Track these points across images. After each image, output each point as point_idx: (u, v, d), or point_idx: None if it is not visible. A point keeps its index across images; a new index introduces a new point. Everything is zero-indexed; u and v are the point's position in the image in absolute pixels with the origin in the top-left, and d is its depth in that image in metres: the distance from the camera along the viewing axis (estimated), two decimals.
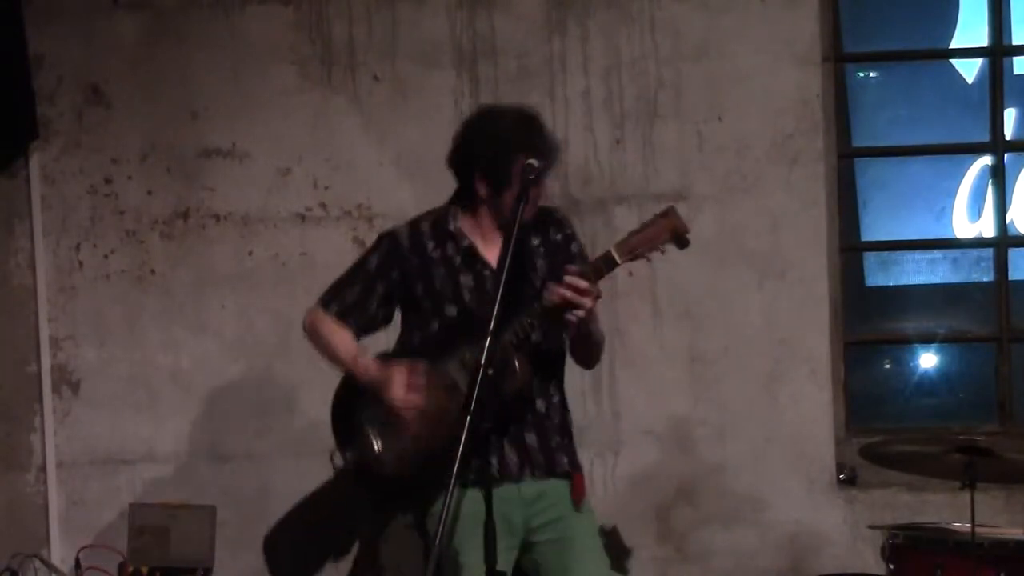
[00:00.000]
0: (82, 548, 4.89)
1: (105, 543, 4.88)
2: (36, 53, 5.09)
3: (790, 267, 5.00)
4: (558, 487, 3.63)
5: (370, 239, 5.03)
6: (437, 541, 3.17)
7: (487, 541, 3.36)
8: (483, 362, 3.22)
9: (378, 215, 5.09)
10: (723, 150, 5.02)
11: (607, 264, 3.43)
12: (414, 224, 3.72)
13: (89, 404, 5.15)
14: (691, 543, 4.99)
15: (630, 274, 4.98)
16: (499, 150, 3.55)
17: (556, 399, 3.70)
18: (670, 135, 5.04)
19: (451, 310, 3.61)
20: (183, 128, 5.14)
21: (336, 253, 5.07)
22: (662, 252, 3.47)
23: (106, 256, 5.17)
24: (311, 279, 5.05)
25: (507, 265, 3.32)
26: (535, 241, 3.67)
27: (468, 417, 3.18)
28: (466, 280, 3.62)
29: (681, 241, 3.46)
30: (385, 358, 3.67)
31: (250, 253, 5.13)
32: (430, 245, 3.65)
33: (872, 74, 5.51)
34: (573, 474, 3.66)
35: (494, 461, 3.55)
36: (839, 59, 5.19)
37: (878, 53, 5.41)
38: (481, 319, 3.36)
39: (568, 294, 3.39)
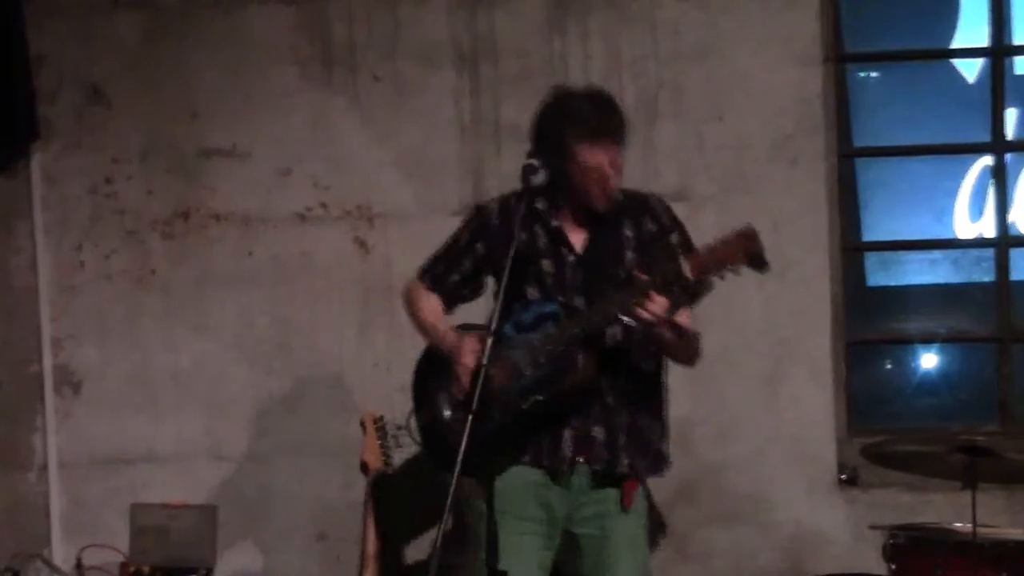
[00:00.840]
0: (83, 548, 4.89)
1: (106, 543, 4.88)
2: (36, 53, 5.10)
3: (790, 267, 4.99)
4: (608, 491, 3.60)
5: (370, 239, 5.07)
6: (438, 540, 3.17)
7: (488, 540, 3.35)
8: (484, 361, 3.21)
9: (378, 215, 5.09)
10: (723, 150, 5.02)
11: (676, 278, 3.33)
12: (505, 199, 3.69)
13: (90, 404, 5.16)
14: (691, 543, 4.99)
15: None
16: (552, 128, 3.52)
17: (633, 398, 3.61)
18: (670, 135, 5.03)
19: (532, 292, 3.59)
20: (183, 128, 5.14)
21: (336, 253, 5.09)
22: (736, 273, 3.34)
23: (107, 256, 5.17)
24: (311, 279, 5.08)
25: (509, 266, 3.31)
26: (628, 232, 3.61)
27: (470, 417, 3.18)
28: (547, 264, 3.60)
29: (758, 263, 3.30)
30: (466, 328, 3.65)
31: (250, 253, 5.14)
32: (518, 222, 3.55)
33: (872, 74, 5.51)
34: (628, 479, 3.60)
35: (545, 451, 3.54)
36: (839, 59, 5.19)
37: (878, 53, 5.40)
38: (564, 306, 3.44)
39: (641, 323, 3.35)
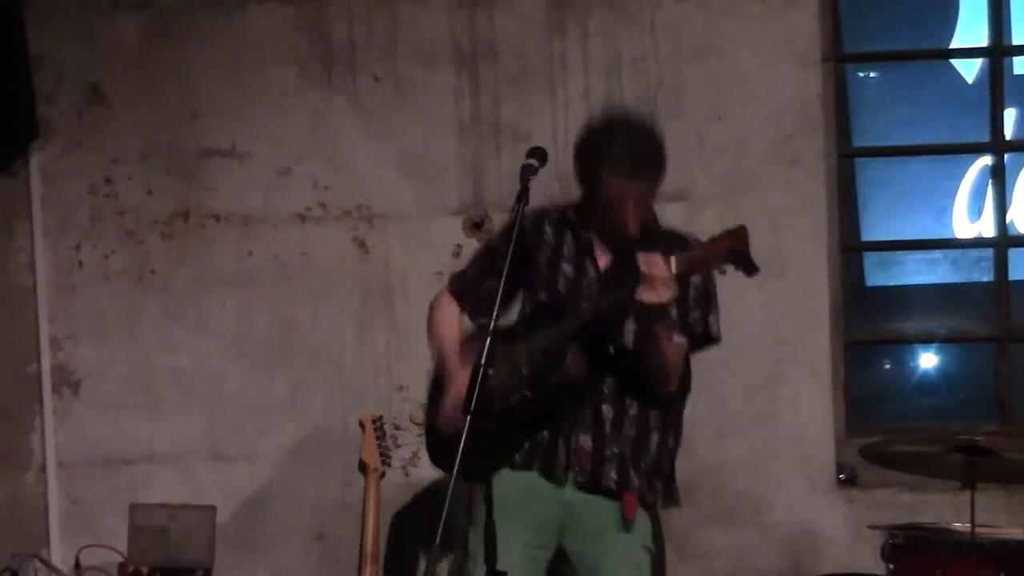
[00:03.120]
0: (82, 548, 4.89)
1: (105, 543, 4.88)
2: (36, 53, 5.09)
3: (790, 267, 4.99)
4: (605, 506, 3.54)
5: (370, 239, 5.08)
6: (438, 540, 3.16)
7: (487, 540, 3.35)
8: (483, 361, 3.21)
9: (378, 215, 5.09)
10: (723, 150, 5.02)
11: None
12: (543, 208, 3.67)
13: (89, 404, 5.15)
14: (691, 543, 4.99)
15: None
16: (590, 151, 3.55)
17: (633, 411, 3.58)
18: (670, 135, 4.96)
19: (543, 297, 3.60)
20: (183, 128, 5.14)
21: (336, 253, 5.09)
22: (721, 272, 3.35)
23: (106, 256, 5.17)
24: (311, 279, 5.08)
25: (507, 267, 3.31)
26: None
27: (468, 418, 3.17)
28: (567, 269, 3.59)
29: (748, 266, 3.26)
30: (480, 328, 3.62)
31: (250, 253, 5.13)
32: (548, 229, 3.62)
33: (872, 74, 5.51)
34: (623, 494, 3.55)
35: (542, 456, 3.52)
36: (839, 59, 5.19)
37: (878, 53, 5.41)
38: (566, 311, 3.45)
39: (645, 268, 3.28)
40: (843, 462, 4.98)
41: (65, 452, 5.15)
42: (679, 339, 3.51)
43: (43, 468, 5.14)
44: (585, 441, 3.54)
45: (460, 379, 3.49)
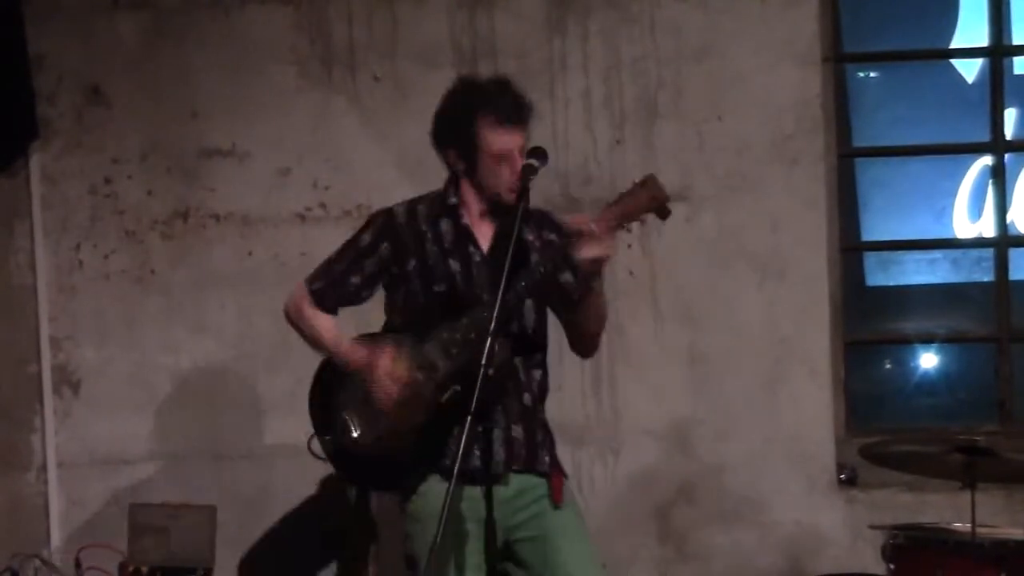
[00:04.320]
0: (82, 548, 4.89)
1: (105, 543, 4.87)
2: (36, 53, 5.10)
3: (790, 267, 5.00)
4: (537, 485, 3.56)
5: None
6: (436, 538, 3.16)
7: (487, 539, 3.36)
8: (483, 362, 3.20)
9: None
10: (723, 150, 5.02)
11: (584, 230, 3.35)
12: (411, 201, 3.68)
13: (89, 404, 5.16)
14: (691, 543, 4.99)
15: (631, 273, 4.99)
16: (460, 116, 3.52)
17: (539, 394, 3.63)
18: (670, 135, 5.04)
19: (439, 287, 3.55)
20: (183, 128, 5.14)
21: None
22: (642, 222, 3.40)
23: (106, 256, 5.17)
24: None
25: (508, 263, 3.30)
26: (530, 236, 3.59)
27: (469, 419, 3.16)
28: (455, 264, 3.56)
29: (662, 211, 3.36)
30: (370, 337, 3.63)
31: (250, 253, 5.14)
32: (425, 221, 3.59)
33: (872, 74, 5.52)
34: (552, 475, 3.58)
35: (476, 452, 3.42)
36: (839, 59, 5.19)
37: (878, 53, 5.41)
38: (466, 298, 3.40)
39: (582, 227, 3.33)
40: (843, 462, 4.98)
41: (65, 452, 5.15)
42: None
43: (43, 468, 5.15)
44: (517, 431, 3.54)
45: (381, 362, 3.48)
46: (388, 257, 3.63)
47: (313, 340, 3.71)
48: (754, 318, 4.99)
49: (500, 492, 3.45)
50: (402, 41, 5.09)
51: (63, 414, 5.16)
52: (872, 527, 4.26)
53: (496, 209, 3.56)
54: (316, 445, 3.67)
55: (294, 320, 3.76)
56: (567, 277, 3.50)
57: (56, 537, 5.12)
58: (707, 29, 5.01)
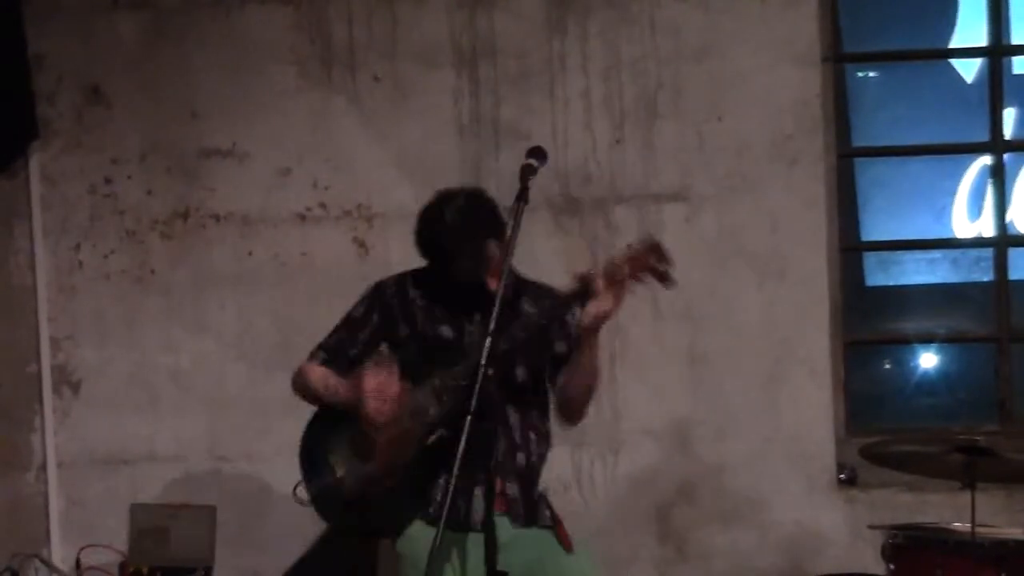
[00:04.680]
0: (82, 548, 4.89)
1: (105, 543, 4.88)
2: (36, 53, 5.10)
3: (790, 267, 5.00)
4: (539, 534, 3.57)
5: (370, 239, 5.08)
6: (437, 540, 3.16)
7: (488, 541, 3.37)
8: (483, 361, 3.21)
9: (378, 215, 5.09)
10: (723, 150, 5.02)
11: (587, 289, 3.40)
12: (402, 274, 3.75)
13: (89, 404, 5.15)
14: (691, 543, 4.99)
15: None
16: (434, 244, 3.61)
17: (538, 452, 3.64)
18: (670, 135, 5.04)
19: (433, 350, 3.59)
20: (183, 128, 5.14)
21: (336, 253, 5.09)
22: (644, 283, 3.42)
23: (106, 256, 5.17)
24: (311, 279, 5.08)
25: (507, 266, 3.31)
26: (529, 308, 3.61)
27: (468, 418, 3.17)
28: (446, 330, 3.61)
29: (664, 277, 3.39)
30: None
31: (250, 253, 5.14)
32: (413, 292, 3.67)
33: (872, 74, 5.52)
34: (557, 525, 3.59)
35: (461, 504, 3.44)
36: (839, 59, 5.20)
37: (878, 53, 5.41)
38: (458, 356, 3.44)
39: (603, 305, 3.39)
40: (843, 462, 4.98)
41: (65, 452, 5.15)
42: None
43: (43, 468, 5.14)
44: (512, 489, 3.55)
45: (363, 379, 3.52)
46: (379, 326, 3.69)
47: (324, 393, 3.71)
48: (754, 318, 4.99)
49: (501, 536, 3.46)
50: (402, 41, 5.09)
51: (63, 414, 5.16)
52: (872, 527, 4.26)
53: (478, 296, 3.57)
54: (301, 492, 3.69)
55: (301, 387, 3.78)
56: (560, 347, 3.58)
57: (56, 537, 5.12)
58: (707, 29, 5.01)
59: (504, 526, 3.50)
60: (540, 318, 3.49)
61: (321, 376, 3.70)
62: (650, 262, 3.38)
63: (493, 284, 3.48)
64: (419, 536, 3.45)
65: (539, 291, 3.68)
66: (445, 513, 3.14)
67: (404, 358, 3.62)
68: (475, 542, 3.45)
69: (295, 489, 3.71)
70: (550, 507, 3.65)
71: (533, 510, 3.58)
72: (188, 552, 4.72)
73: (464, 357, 3.43)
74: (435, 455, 3.40)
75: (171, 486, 5.05)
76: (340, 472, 3.60)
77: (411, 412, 3.49)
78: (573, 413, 3.68)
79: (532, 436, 3.63)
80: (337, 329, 3.76)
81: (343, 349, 3.71)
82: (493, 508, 3.49)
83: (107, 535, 4.91)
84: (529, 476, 3.61)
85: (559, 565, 3.56)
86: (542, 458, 3.67)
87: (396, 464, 3.48)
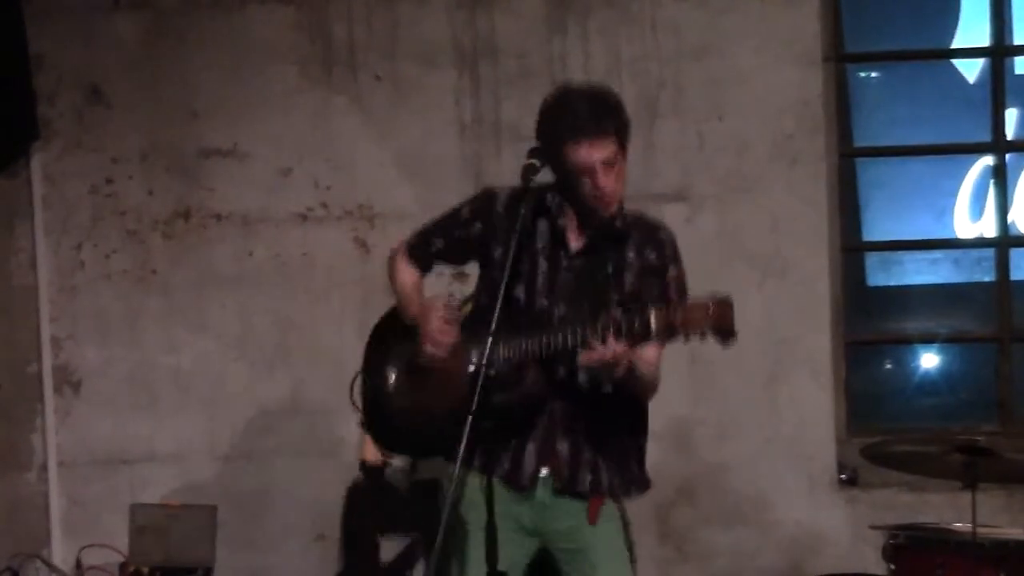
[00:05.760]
0: (83, 548, 4.90)
1: (106, 543, 4.88)
2: (36, 53, 5.10)
3: (790, 267, 4.99)
4: (573, 505, 3.50)
5: (371, 239, 5.07)
6: (440, 539, 3.16)
7: (488, 542, 3.36)
8: (483, 362, 3.20)
9: (379, 215, 5.10)
10: (723, 150, 5.02)
11: (643, 331, 3.18)
12: (516, 189, 3.49)
13: (90, 404, 5.16)
14: (691, 543, 4.99)
15: None
16: (546, 133, 3.41)
17: (608, 414, 3.50)
18: (670, 135, 5.04)
19: (519, 291, 3.47)
20: (183, 128, 5.14)
21: (337, 253, 5.09)
22: (701, 338, 3.22)
23: (107, 256, 5.17)
24: (312, 279, 5.09)
25: (508, 270, 3.28)
26: (630, 254, 3.49)
27: (470, 418, 3.16)
28: (543, 265, 3.49)
29: (725, 335, 3.21)
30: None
31: (251, 253, 5.14)
32: (524, 214, 3.41)
33: (873, 74, 5.51)
34: (591, 497, 3.51)
35: (506, 464, 3.43)
36: (840, 59, 5.19)
37: (879, 53, 5.40)
38: (539, 314, 3.35)
39: (595, 358, 3.25)
40: (844, 462, 4.98)
41: (66, 452, 5.16)
42: (650, 352, 3.37)
43: (44, 468, 5.15)
44: (563, 447, 3.48)
45: (430, 313, 3.44)
46: (477, 237, 3.54)
47: (398, 292, 3.65)
48: (754, 318, 4.98)
49: (537, 496, 3.46)
50: (402, 41, 5.09)
51: (64, 414, 5.16)
52: (872, 527, 4.25)
53: (586, 220, 3.48)
54: (358, 388, 3.66)
55: (390, 271, 3.70)
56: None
57: (57, 537, 5.12)
58: (707, 29, 5.01)
59: (547, 485, 3.47)
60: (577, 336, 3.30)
61: (405, 279, 3.61)
62: (708, 321, 3.20)
63: (609, 202, 3.36)
64: (469, 483, 3.41)
65: (647, 234, 3.50)
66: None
67: (486, 283, 3.52)
68: (525, 503, 3.42)
69: (352, 383, 3.69)
70: (596, 475, 3.49)
71: (574, 473, 3.47)
72: (188, 552, 4.72)
73: (539, 316, 3.34)
74: (482, 402, 3.24)
75: (171, 486, 5.05)
76: (392, 384, 3.54)
77: (466, 365, 3.39)
78: (643, 397, 3.53)
79: (604, 395, 3.47)
80: (437, 222, 3.62)
81: (431, 240, 3.61)
82: (536, 470, 3.46)
83: (107, 535, 4.92)
84: (581, 434, 3.47)
85: (584, 536, 3.51)
86: (614, 419, 3.50)
87: (443, 404, 3.39)
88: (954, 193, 5.31)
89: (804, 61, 5.01)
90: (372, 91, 5.12)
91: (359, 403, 3.67)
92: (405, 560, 4.76)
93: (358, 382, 3.68)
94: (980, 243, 5.29)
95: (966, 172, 5.30)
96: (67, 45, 5.14)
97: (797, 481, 4.98)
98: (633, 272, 3.49)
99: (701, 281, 4.93)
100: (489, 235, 3.53)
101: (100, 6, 5.14)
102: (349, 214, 5.12)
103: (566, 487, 3.50)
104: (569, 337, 3.29)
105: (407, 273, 3.64)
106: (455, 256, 3.67)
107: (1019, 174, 5.25)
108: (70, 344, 5.18)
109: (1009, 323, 5.14)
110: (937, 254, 5.44)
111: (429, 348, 3.44)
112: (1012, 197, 5.22)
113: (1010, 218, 5.21)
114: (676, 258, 3.57)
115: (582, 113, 3.37)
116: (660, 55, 5.02)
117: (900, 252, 5.43)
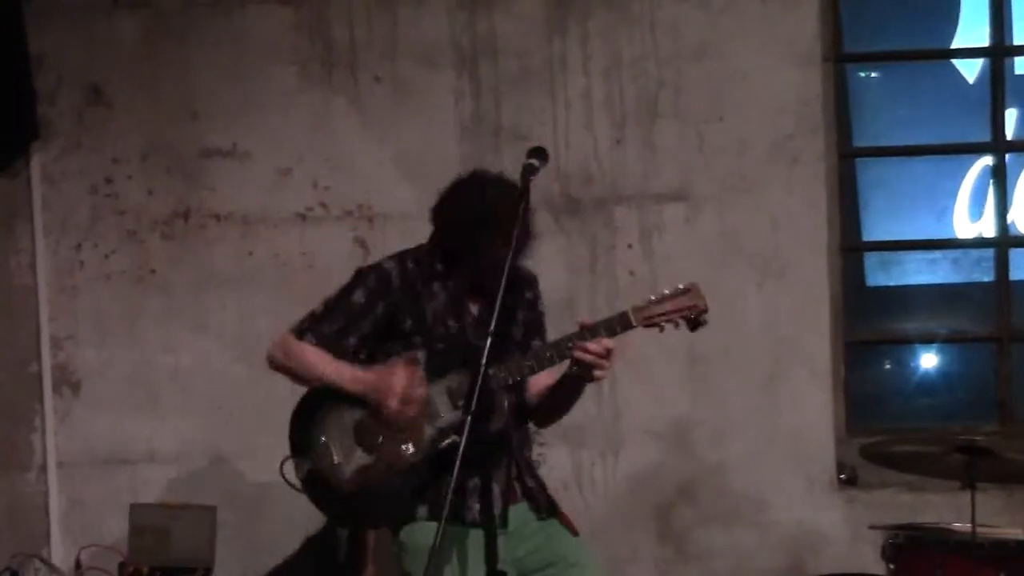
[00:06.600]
0: (82, 548, 4.90)
1: (105, 543, 4.88)
2: (36, 53, 5.10)
3: (790, 267, 5.00)
4: (549, 521, 3.60)
5: (371, 239, 5.07)
6: (436, 541, 3.16)
7: (488, 544, 3.37)
8: (484, 362, 3.20)
9: (378, 215, 5.10)
10: (723, 150, 5.02)
11: (622, 326, 3.39)
12: (400, 259, 3.64)
13: (90, 404, 5.16)
14: (691, 543, 4.99)
15: (631, 273, 4.99)
16: (466, 224, 3.55)
17: (529, 445, 3.74)
18: (670, 135, 5.04)
19: (439, 346, 3.54)
20: (183, 128, 5.14)
21: (337, 253, 5.09)
22: (676, 326, 3.42)
23: (107, 256, 5.17)
24: (311, 279, 5.08)
25: (506, 271, 3.30)
26: (527, 294, 3.68)
27: (468, 419, 3.17)
28: (452, 324, 3.58)
29: (694, 324, 3.41)
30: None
31: (250, 253, 5.14)
32: (418, 281, 3.59)
33: (873, 74, 5.51)
34: (560, 514, 3.62)
35: (475, 505, 3.46)
36: (839, 59, 5.20)
37: (879, 53, 5.41)
38: (469, 351, 3.35)
39: (591, 356, 3.36)
40: (843, 462, 4.99)
41: (66, 452, 5.15)
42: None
43: (44, 468, 5.15)
44: (532, 483, 3.60)
45: (396, 383, 3.45)
46: (382, 317, 3.58)
47: (309, 373, 3.61)
48: (754, 318, 4.99)
49: (511, 522, 3.49)
50: (402, 41, 5.09)
51: (63, 414, 5.16)
52: (872, 527, 4.26)
53: (484, 285, 3.55)
54: (289, 469, 3.62)
55: (282, 362, 3.65)
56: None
57: (56, 537, 5.12)
58: (707, 29, 5.01)
59: (524, 515, 3.54)
60: (556, 350, 3.42)
61: (321, 359, 3.56)
62: (685, 306, 3.41)
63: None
64: (421, 527, 3.43)
65: (527, 276, 3.69)
66: (446, 512, 3.13)
67: (406, 350, 3.56)
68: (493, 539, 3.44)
69: (282, 465, 3.63)
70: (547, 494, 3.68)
71: (551, 501, 3.62)
72: (188, 552, 4.72)
73: (470, 357, 3.35)
74: (443, 455, 3.35)
75: (171, 486, 5.05)
76: (338, 459, 3.53)
77: (425, 410, 3.46)
78: (543, 422, 3.77)
79: (526, 430, 3.71)
80: (330, 314, 3.60)
81: (342, 339, 3.57)
82: (506, 504, 3.50)
83: (107, 535, 4.92)
84: (530, 467, 3.65)
85: (570, 544, 3.56)
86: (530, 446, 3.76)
87: (402, 460, 3.45)
88: (954, 193, 5.31)
89: (804, 61, 5.01)
90: (372, 92, 5.12)
91: (298, 484, 3.62)
92: None
93: (288, 465, 3.63)
94: (979, 243, 5.29)
95: (966, 172, 5.31)
96: (67, 45, 5.14)
97: (796, 481, 4.98)
98: (523, 308, 3.65)
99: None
100: (397, 310, 3.57)
101: (100, 6, 5.14)
102: (349, 214, 5.12)
103: (549, 516, 3.59)
104: (557, 348, 3.40)
105: (314, 352, 3.59)
106: (364, 348, 3.62)
107: (1018, 174, 5.26)
108: (69, 344, 5.18)
109: (1008, 323, 5.15)
110: (936, 254, 5.44)
111: (395, 404, 3.46)
112: (1011, 197, 5.22)
113: (1009, 218, 5.22)
114: (539, 294, 3.76)
115: (506, 217, 3.40)
116: (660, 55, 5.02)
117: (900, 252, 5.43)
